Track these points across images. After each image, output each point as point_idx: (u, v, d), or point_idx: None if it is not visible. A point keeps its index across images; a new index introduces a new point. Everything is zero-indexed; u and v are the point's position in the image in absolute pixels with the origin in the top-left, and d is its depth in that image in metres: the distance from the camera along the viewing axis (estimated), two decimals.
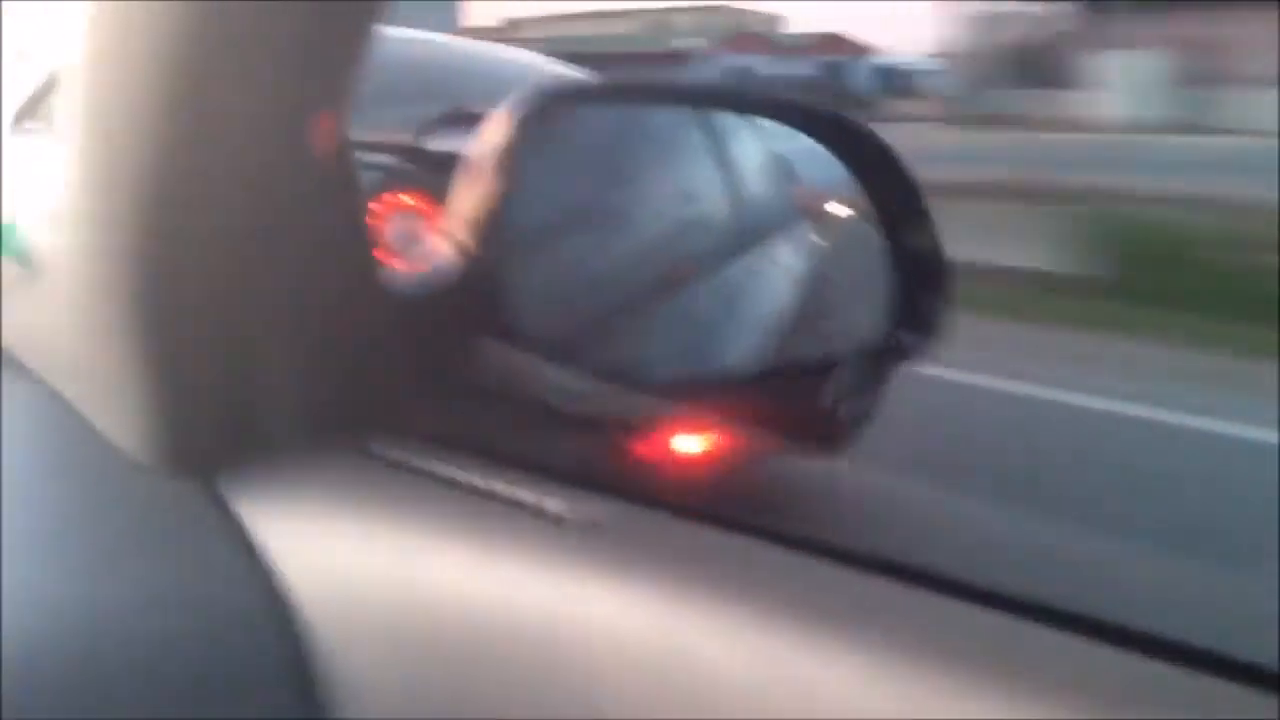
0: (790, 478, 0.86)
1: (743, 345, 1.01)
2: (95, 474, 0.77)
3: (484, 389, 0.79)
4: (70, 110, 0.73)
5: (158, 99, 0.66)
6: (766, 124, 1.09)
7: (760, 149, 1.12)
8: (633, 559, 0.62)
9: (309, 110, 0.69)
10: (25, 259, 0.90)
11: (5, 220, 0.98)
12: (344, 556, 0.68)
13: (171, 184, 0.68)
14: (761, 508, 0.73)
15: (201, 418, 0.75)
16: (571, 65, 2.24)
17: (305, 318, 0.75)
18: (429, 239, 0.80)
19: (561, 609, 0.60)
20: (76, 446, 0.79)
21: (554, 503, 0.66)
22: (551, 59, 2.19)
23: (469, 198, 0.78)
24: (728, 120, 1.08)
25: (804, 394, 0.97)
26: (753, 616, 0.56)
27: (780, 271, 1.10)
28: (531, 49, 2.48)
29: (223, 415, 0.75)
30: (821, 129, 0.99)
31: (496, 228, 0.78)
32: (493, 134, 0.78)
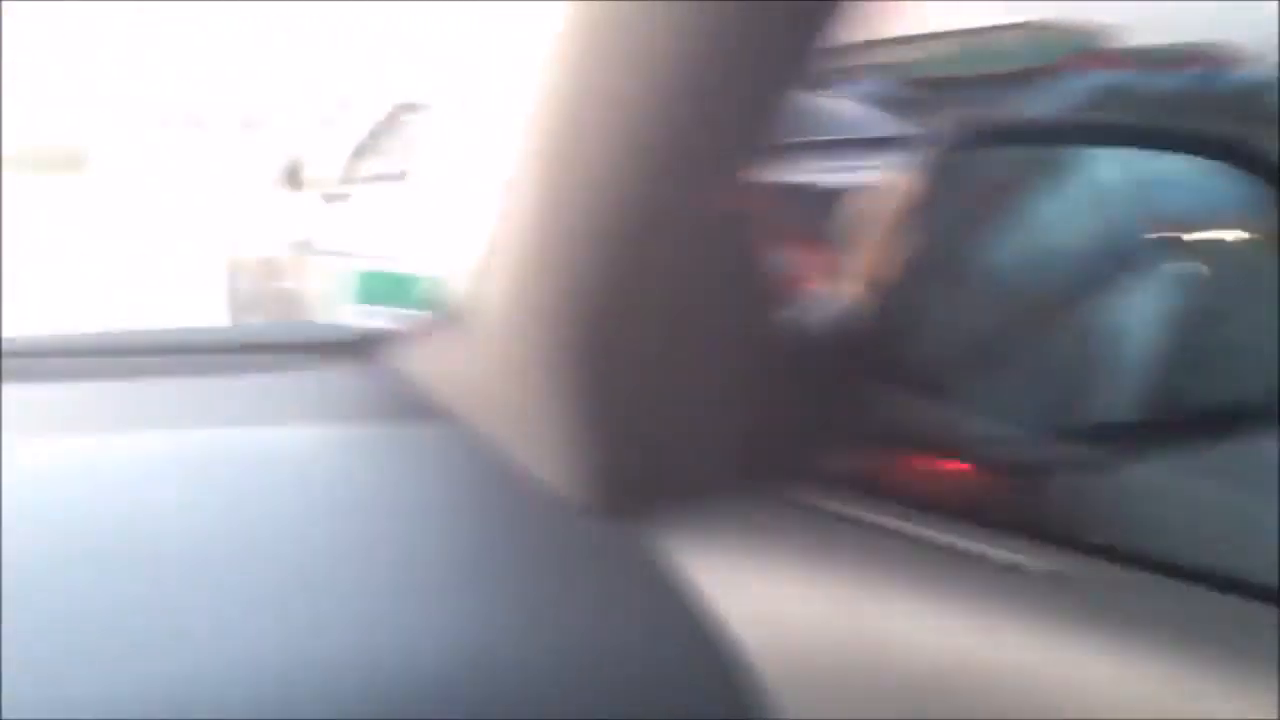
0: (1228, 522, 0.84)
1: (1127, 389, 0.98)
2: (525, 516, 0.81)
3: (902, 435, 0.80)
4: (513, 167, 0.77)
5: (615, 155, 0.68)
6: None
7: (1130, 174, 1.09)
8: (1095, 609, 0.61)
9: (740, 159, 0.70)
10: (439, 307, 0.95)
11: (403, 270, 1.04)
12: (780, 604, 0.69)
13: (617, 235, 0.70)
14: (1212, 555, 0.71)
15: (632, 462, 0.77)
16: (912, 91, 2.22)
17: (732, 363, 0.76)
18: (832, 279, 0.81)
19: (1026, 659, 0.59)
20: (504, 488, 0.83)
21: (1001, 552, 0.65)
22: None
23: (872, 238, 0.79)
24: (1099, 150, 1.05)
25: (1212, 437, 0.93)
26: (1229, 671, 0.55)
27: (1160, 309, 1.06)
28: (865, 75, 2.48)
29: (652, 459, 0.77)
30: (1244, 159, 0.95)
31: (900, 270, 0.79)
32: (899, 174, 0.79)
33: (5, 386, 1.01)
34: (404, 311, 1.15)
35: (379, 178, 6.28)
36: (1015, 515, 0.72)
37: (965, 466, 0.80)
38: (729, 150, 0.69)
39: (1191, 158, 1.02)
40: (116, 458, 0.87)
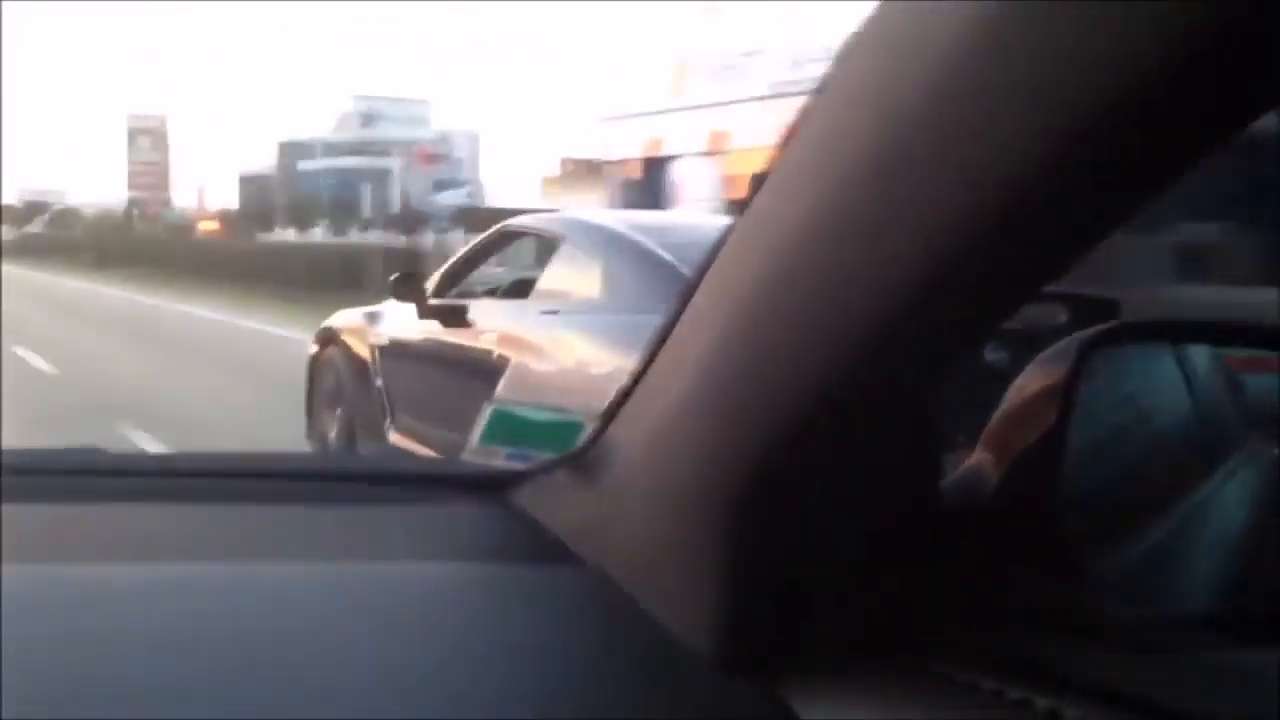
0: None
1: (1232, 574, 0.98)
2: (652, 665, 0.81)
3: (1036, 611, 0.79)
4: (700, 316, 0.78)
5: (815, 335, 0.69)
6: None
7: (1218, 358, 1.10)
8: None
9: (950, 354, 0.71)
10: (586, 450, 0.97)
11: (569, 415, 1.06)
12: None
13: (791, 405, 0.71)
14: None
15: (766, 620, 0.78)
16: None
17: (867, 526, 0.78)
18: (984, 457, 0.82)
19: None
20: (636, 637, 0.84)
21: None
22: None
23: (1025, 418, 0.80)
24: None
25: None
26: None
27: (1248, 489, 1.06)
28: None
29: (786, 619, 0.77)
30: None
31: (1047, 455, 0.80)
32: (1055, 363, 0.80)
33: (129, 504, 1.04)
34: (536, 451, 1.17)
35: (489, 294, 6.49)
36: (1146, 696, 0.71)
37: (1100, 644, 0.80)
38: (940, 348, 0.70)
39: None
40: (248, 584, 0.89)
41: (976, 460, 0.82)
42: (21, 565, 0.87)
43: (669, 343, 0.83)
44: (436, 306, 6.25)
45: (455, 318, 6.06)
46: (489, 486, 1.10)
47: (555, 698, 0.77)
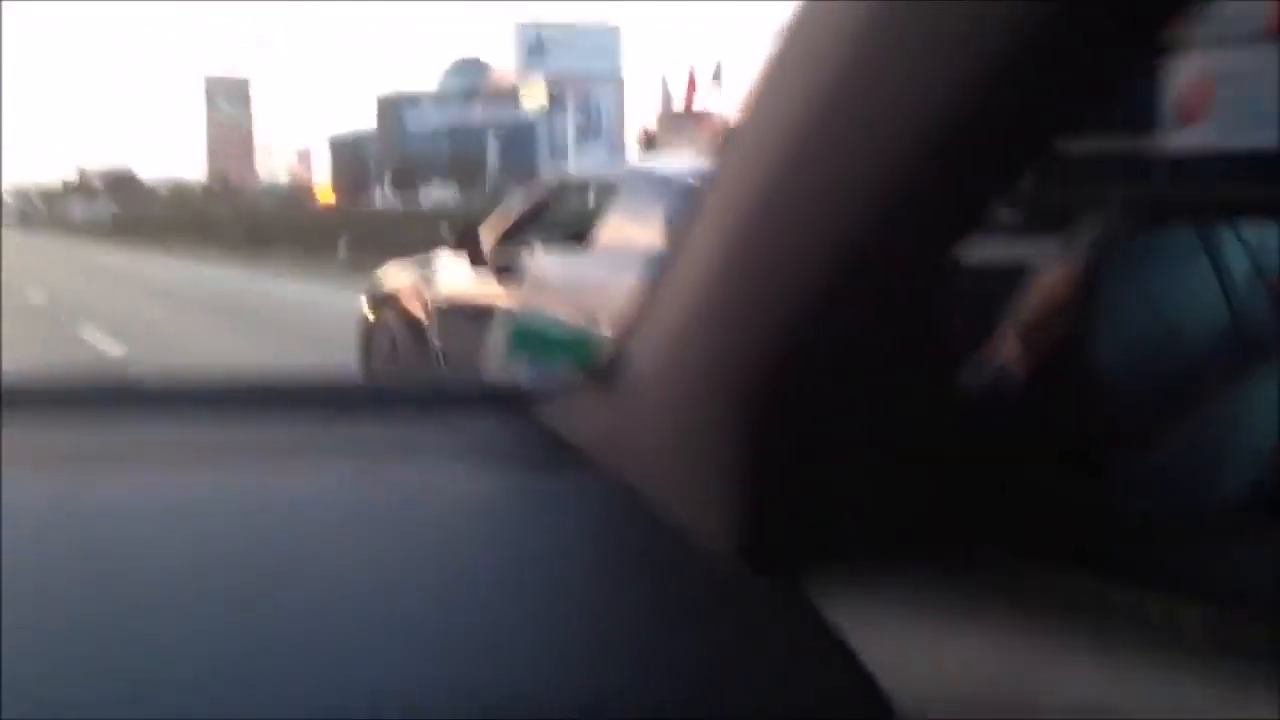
0: None
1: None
2: (676, 567, 0.82)
3: (1060, 499, 0.79)
4: (704, 229, 0.78)
5: (807, 229, 0.69)
6: None
7: (1254, 254, 1.08)
8: (1253, 674, 0.60)
9: (943, 246, 0.71)
10: (594, 362, 0.97)
11: (557, 325, 1.06)
12: (946, 667, 0.69)
13: (795, 300, 0.71)
14: None
15: (790, 518, 0.78)
16: None
17: (887, 420, 0.77)
18: (1009, 350, 0.81)
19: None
20: (654, 539, 0.84)
21: (1173, 616, 0.65)
22: None
23: (1048, 307, 0.80)
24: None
25: None
26: None
27: None
28: None
29: (810, 516, 0.78)
30: None
31: (1072, 349, 0.79)
32: (1078, 250, 0.79)
33: (168, 421, 1.05)
34: (558, 366, 1.18)
35: (545, 246, 6.36)
36: (1178, 578, 0.71)
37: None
38: (933, 237, 0.69)
39: None
40: (278, 490, 0.90)
41: (1001, 354, 0.81)
42: (39, 476, 0.89)
43: (679, 255, 0.83)
44: (495, 261, 6.24)
45: (513, 272, 6.06)
46: (513, 402, 1.11)
47: (573, 600, 0.78)
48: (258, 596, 0.74)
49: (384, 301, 7.31)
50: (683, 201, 5.00)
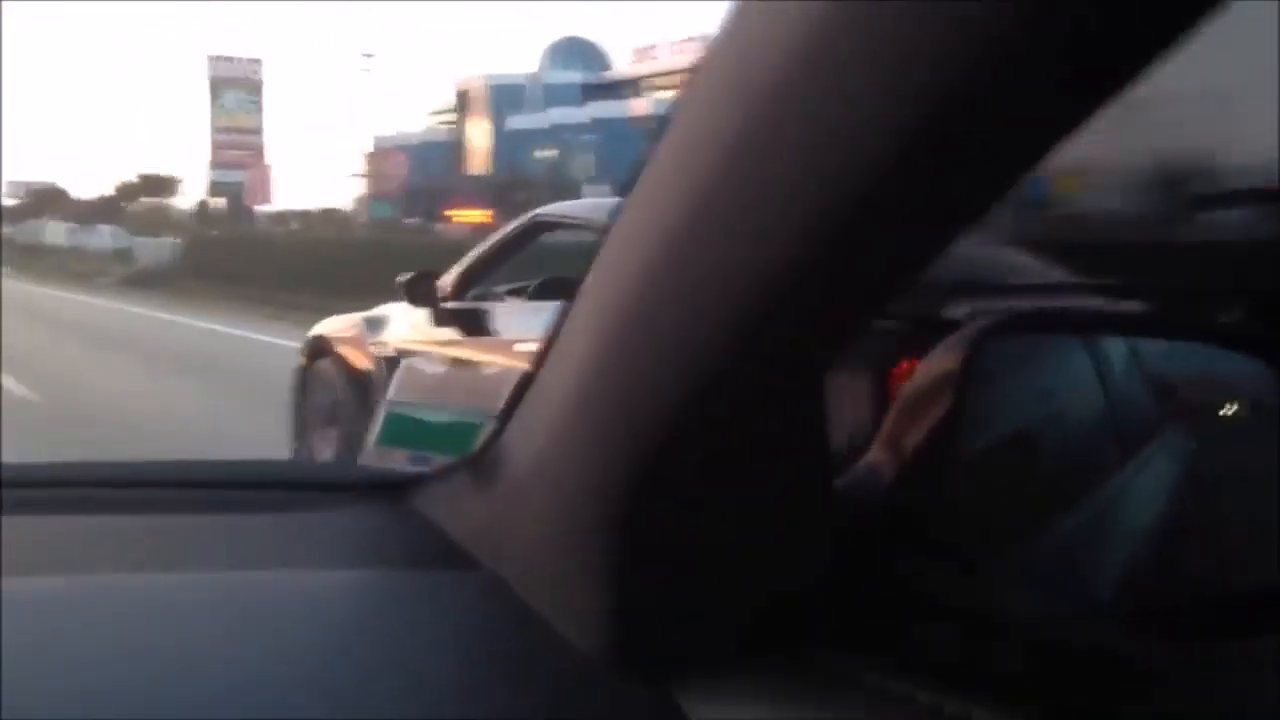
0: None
1: (1135, 567, 0.99)
2: (549, 670, 0.80)
3: (932, 606, 0.80)
4: (587, 316, 0.77)
5: (694, 324, 0.68)
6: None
7: (1134, 346, 1.11)
8: None
9: (835, 341, 0.70)
10: (484, 453, 0.96)
11: (467, 416, 1.05)
12: None
13: (677, 398, 0.70)
14: None
15: (658, 621, 0.77)
16: None
17: (761, 525, 0.77)
18: (880, 450, 0.82)
19: None
20: (531, 641, 0.82)
21: None
22: None
23: (916, 411, 0.81)
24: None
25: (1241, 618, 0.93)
26: None
27: (1161, 483, 1.07)
28: None
29: (682, 621, 0.77)
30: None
31: (941, 447, 0.80)
32: (946, 357, 0.81)
33: (8, 519, 1.01)
34: (434, 454, 1.16)
35: (515, 294, 5.70)
36: (1033, 689, 0.72)
37: (989, 639, 0.80)
38: (812, 338, 0.69)
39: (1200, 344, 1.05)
40: (138, 595, 0.87)
41: (874, 454, 0.82)
42: None
43: (558, 341, 0.82)
44: (453, 310, 5.50)
45: (475, 323, 5.37)
46: (387, 490, 1.10)
47: (446, 703, 0.76)
48: (121, 711, 0.71)
49: (323, 353, 6.50)
50: None
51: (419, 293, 5.56)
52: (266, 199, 60.48)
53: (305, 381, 6.47)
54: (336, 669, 0.79)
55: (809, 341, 0.68)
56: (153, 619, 0.83)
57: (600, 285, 0.76)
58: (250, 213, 55.83)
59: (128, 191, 63.19)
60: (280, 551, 1.00)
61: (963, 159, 0.56)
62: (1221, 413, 1.10)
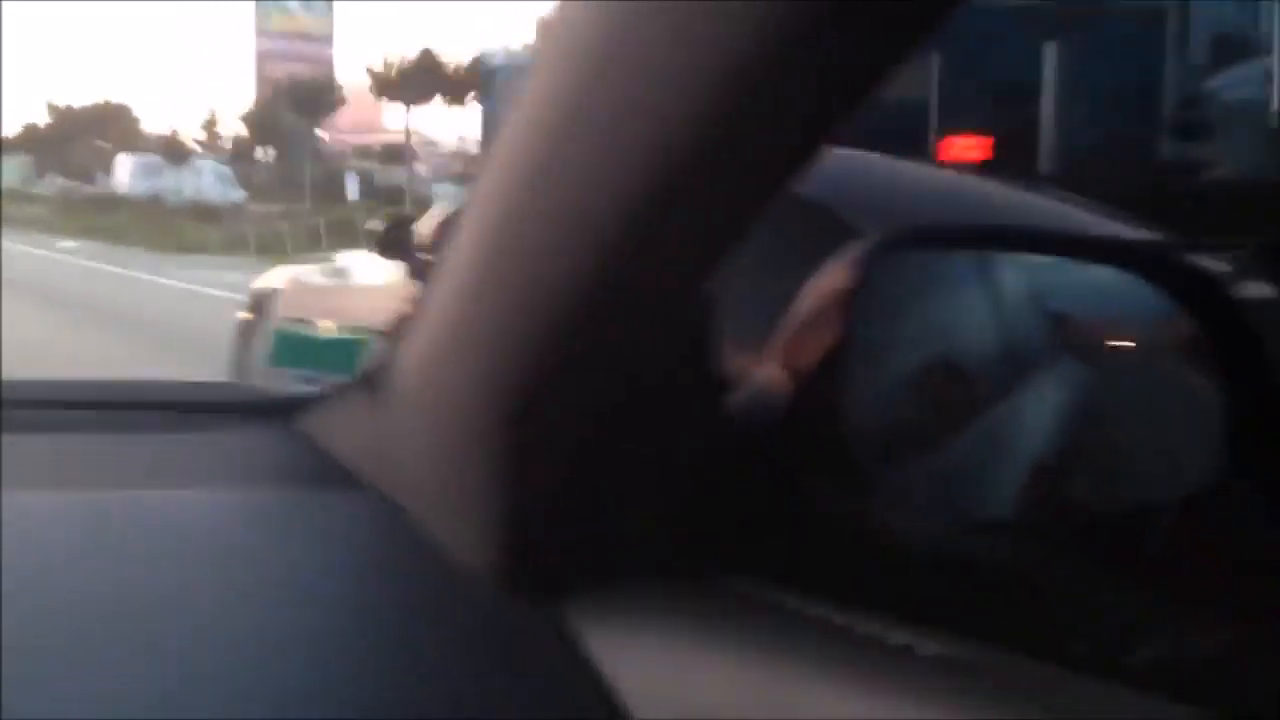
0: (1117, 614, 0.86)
1: (1026, 486, 1.00)
2: (434, 585, 0.80)
3: (829, 523, 0.80)
4: (465, 236, 0.76)
5: (573, 228, 0.67)
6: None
7: (1032, 279, 1.12)
8: (985, 697, 0.61)
9: (711, 252, 0.70)
10: (372, 372, 0.95)
11: (355, 335, 1.04)
12: (693, 689, 0.68)
13: (560, 307, 0.69)
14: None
15: (548, 541, 0.76)
16: None
17: (658, 445, 0.76)
18: (771, 369, 0.82)
19: None
20: (416, 556, 0.82)
21: (919, 642, 0.66)
22: None
23: (808, 330, 0.80)
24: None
25: (1119, 539, 0.95)
26: None
27: (1061, 407, 1.09)
28: None
29: (569, 540, 0.76)
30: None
31: (837, 364, 0.80)
32: (834, 274, 0.81)
33: None
34: (324, 375, 1.15)
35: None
36: (923, 602, 0.73)
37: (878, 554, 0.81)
38: (701, 241, 0.68)
39: (1103, 266, 1.06)
40: (14, 514, 0.85)
41: (767, 372, 0.82)
42: None
43: (444, 259, 0.81)
44: (425, 265, 5.31)
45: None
46: (276, 412, 1.08)
47: (328, 620, 0.75)
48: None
49: (267, 304, 6.15)
50: None
51: (392, 243, 5.23)
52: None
53: (246, 334, 6.29)
54: (220, 589, 0.77)
55: (679, 254, 0.68)
56: (30, 538, 0.81)
57: (480, 203, 0.75)
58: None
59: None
60: (165, 472, 0.98)
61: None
62: (1117, 342, 1.12)
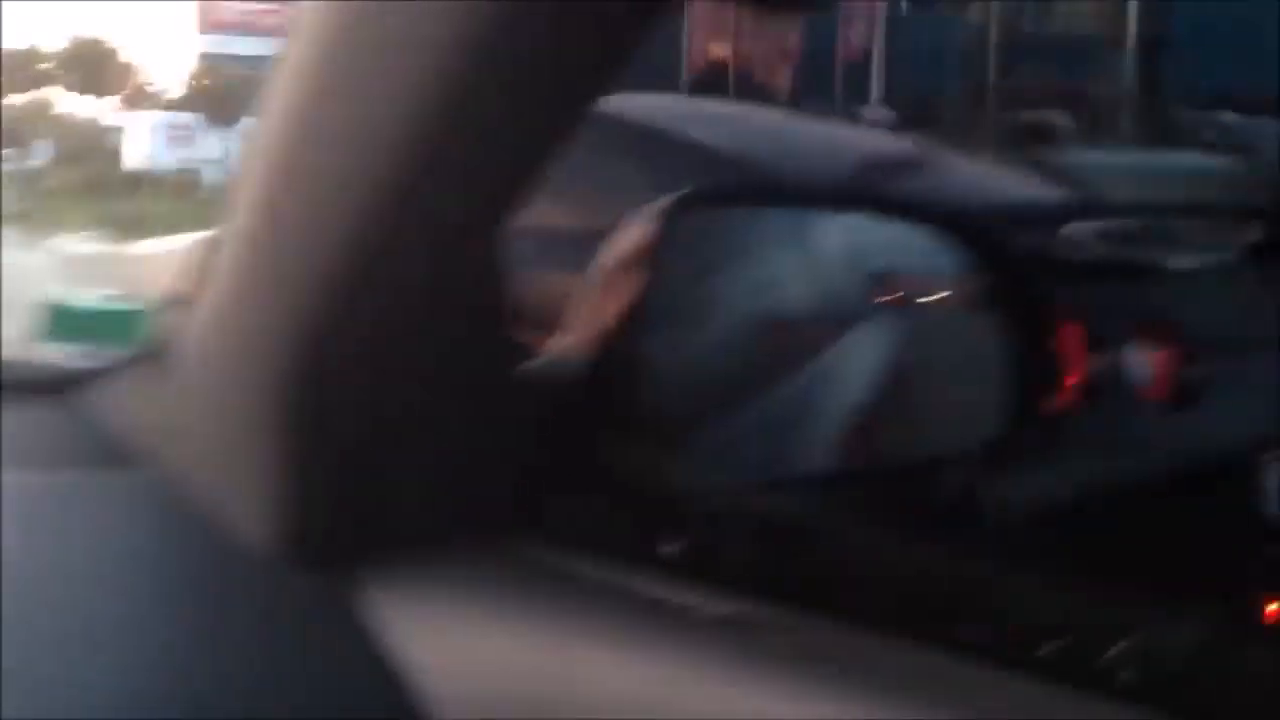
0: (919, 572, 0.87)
1: (833, 440, 1.02)
2: (218, 564, 0.77)
3: (621, 485, 0.80)
4: (237, 201, 0.73)
5: (349, 187, 0.65)
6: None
7: (851, 236, 1.14)
8: (783, 659, 0.62)
9: (495, 206, 0.68)
10: (152, 344, 0.91)
11: (134, 304, 1.00)
12: (478, 656, 0.68)
13: (329, 278, 0.67)
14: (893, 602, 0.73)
15: (333, 512, 0.74)
16: None
17: (442, 411, 0.75)
18: (571, 329, 0.81)
19: (713, 709, 0.60)
20: (199, 535, 0.79)
21: (700, 601, 0.66)
22: None
23: (607, 290, 0.80)
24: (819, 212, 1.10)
25: (918, 489, 0.98)
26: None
27: (870, 363, 1.11)
28: None
29: (355, 510, 0.74)
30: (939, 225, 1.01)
31: (632, 321, 0.80)
32: (632, 233, 0.80)
33: None
34: (103, 348, 1.10)
35: None
36: (715, 561, 0.73)
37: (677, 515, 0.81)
38: (485, 193, 0.67)
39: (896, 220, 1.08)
40: None
41: (569, 335, 0.81)
42: None
43: (224, 225, 0.78)
44: None
45: None
46: (49, 389, 1.03)
47: (111, 602, 0.72)
48: None
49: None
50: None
51: None
52: None
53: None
54: None
55: (452, 214, 0.67)
56: None
57: (250, 165, 0.72)
58: None
59: None
60: None
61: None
62: (928, 300, 1.14)
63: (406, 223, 0.64)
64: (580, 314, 0.80)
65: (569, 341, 0.80)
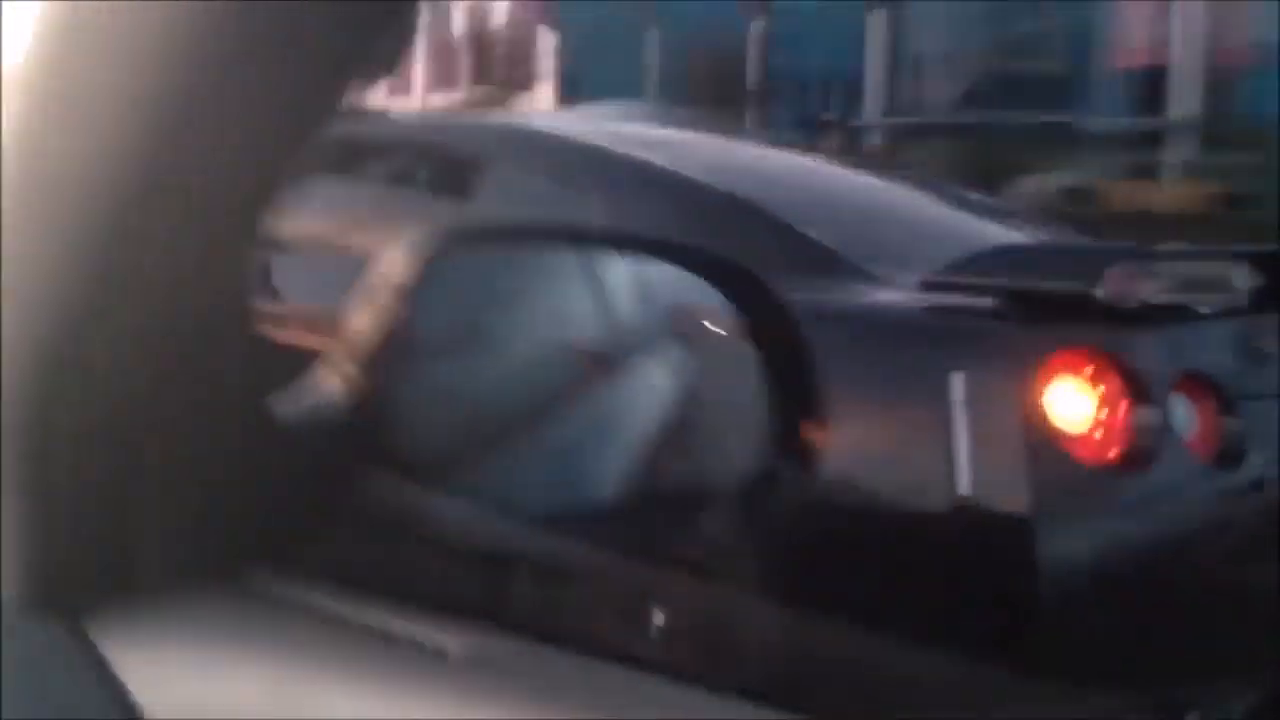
0: (674, 608, 0.88)
1: (614, 472, 1.03)
2: None
3: (370, 521, 0.79)
4: None
5: (84, 203, 0.63)
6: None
7: (633, 272, 1.15)
8: (518, 694, 0.62)
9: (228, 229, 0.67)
10: None
11: None
12: (216, 698, 0.67)
13: (64, 306, 0.65)
14: (646, 638, 0.74)
15: (73, 554, 0.71)
16: None
17: (187, 450, 0.72)
18: (329, 364, 0.80)
19: None
20: None
21: (437, 637, 0.66)
22: None
23: (360, 329, 0.79)
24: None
25: (684, 522, 0.99)
26: None
27: (653, 395, 1.12)
28: None
29: (96, 552, 0.72)
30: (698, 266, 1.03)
31: (387, 360, 0.79)
32: (391, 270, 0.80)
33: None
34: None
35: None
36: (469, 600, 0.73)
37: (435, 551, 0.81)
38: (208, 230, 0.65)
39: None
40: None
41: (326, 372, 0.80)
42: None
43: None
44: None
45: None
46: None
47: None
48: None
49: None
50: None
51: None
52: None
53: None
54: None
55: (185, 242, 0.65)
56: None
57: None
58: None
59: None
60: None
61: None
62: (711, 334, 1.16)
63: (140, 247, 0.63)
64: (339, 347, 0.80)
65: (326, 375, 0.79)
